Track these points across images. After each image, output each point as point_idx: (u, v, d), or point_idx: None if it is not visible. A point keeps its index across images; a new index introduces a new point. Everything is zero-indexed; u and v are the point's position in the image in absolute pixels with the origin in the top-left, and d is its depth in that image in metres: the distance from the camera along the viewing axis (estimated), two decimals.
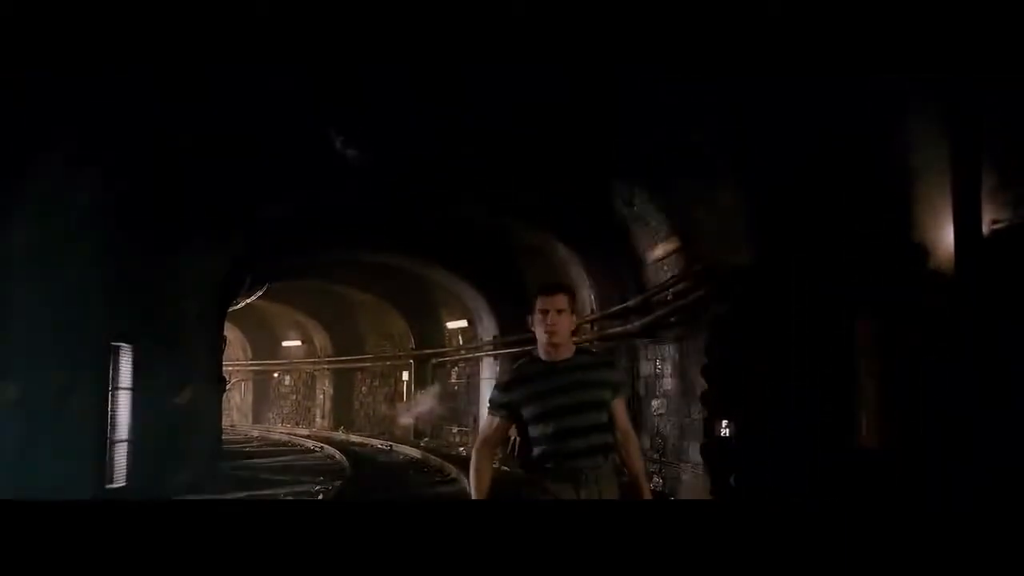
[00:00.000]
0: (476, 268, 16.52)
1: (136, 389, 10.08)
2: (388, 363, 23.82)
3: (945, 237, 4.19)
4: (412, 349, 22.11)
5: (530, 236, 13.81)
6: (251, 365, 29.91)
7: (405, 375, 22.69)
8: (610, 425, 3.52)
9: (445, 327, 20.73)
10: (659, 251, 9.90)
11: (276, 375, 30.12)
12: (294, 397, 29.21)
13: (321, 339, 27.09)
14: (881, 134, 5.18)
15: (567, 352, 3.57)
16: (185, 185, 9.48)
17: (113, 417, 9.65)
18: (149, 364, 10.27)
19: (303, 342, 28.39)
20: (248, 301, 18.80)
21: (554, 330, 3.51)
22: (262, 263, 15.36)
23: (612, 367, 3.90)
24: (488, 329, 17.72)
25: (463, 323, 19.61)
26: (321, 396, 27.60)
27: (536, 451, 3.45)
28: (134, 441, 10.02)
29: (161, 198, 9.32)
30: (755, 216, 7.11)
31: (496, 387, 3.70)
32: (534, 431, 3.47)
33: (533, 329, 3.58)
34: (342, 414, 26.00)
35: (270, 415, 29.61)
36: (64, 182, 7.33)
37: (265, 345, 29.50)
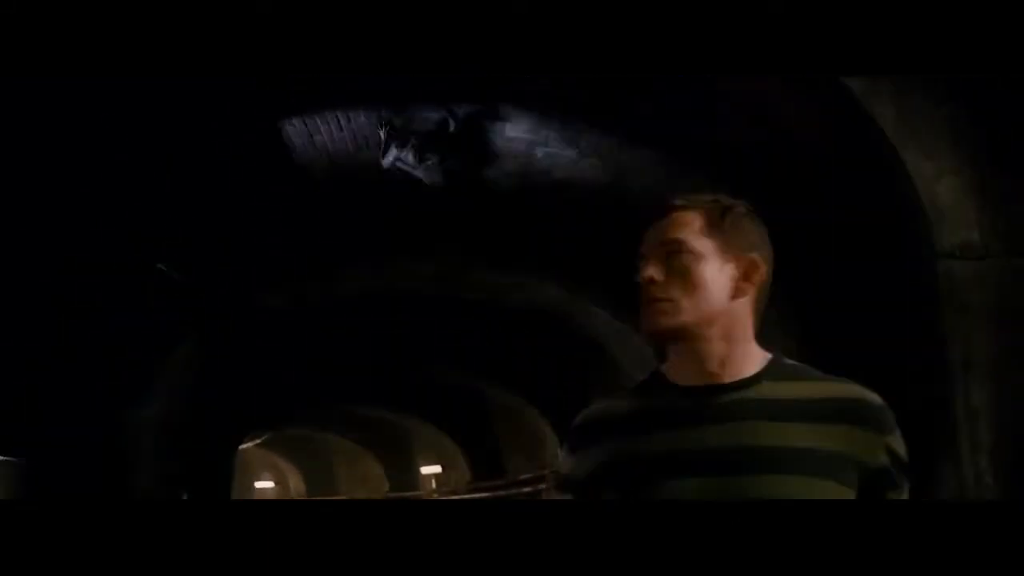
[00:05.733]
0: (452, 420, 18.77)
1: None
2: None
3: None
4: (387, 492, 24.01)
5: (505, 397, 16.29)
6: None
7: None
8: None
9: (420, 472, 22.80)
10: None
11: None
12: None
13: (296, 481, 28.75)
14: None
15: (742, 364, 1.47)
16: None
17: None
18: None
19: (276, 483, 29.95)
20: (244, 447, 20.82)
21: (662, 300, 1.47)
22: (268, 416, 17.63)
23: (875, 404, 1.45)
24: (463, 475, 19.84)
25: (437, 468, 21.73)
26: None
27: None
28: None
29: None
30: None
31: (567, 442, 1.61)
32: None
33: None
34: None
35: None
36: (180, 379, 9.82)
37: (236, 486, 30.87)
